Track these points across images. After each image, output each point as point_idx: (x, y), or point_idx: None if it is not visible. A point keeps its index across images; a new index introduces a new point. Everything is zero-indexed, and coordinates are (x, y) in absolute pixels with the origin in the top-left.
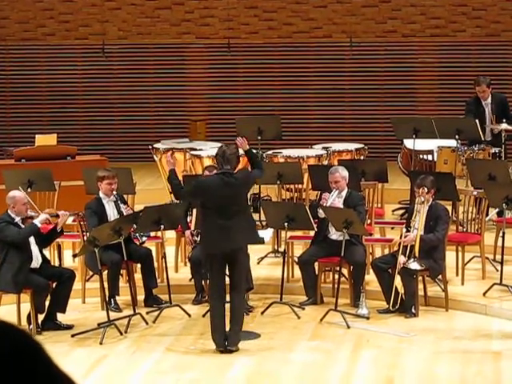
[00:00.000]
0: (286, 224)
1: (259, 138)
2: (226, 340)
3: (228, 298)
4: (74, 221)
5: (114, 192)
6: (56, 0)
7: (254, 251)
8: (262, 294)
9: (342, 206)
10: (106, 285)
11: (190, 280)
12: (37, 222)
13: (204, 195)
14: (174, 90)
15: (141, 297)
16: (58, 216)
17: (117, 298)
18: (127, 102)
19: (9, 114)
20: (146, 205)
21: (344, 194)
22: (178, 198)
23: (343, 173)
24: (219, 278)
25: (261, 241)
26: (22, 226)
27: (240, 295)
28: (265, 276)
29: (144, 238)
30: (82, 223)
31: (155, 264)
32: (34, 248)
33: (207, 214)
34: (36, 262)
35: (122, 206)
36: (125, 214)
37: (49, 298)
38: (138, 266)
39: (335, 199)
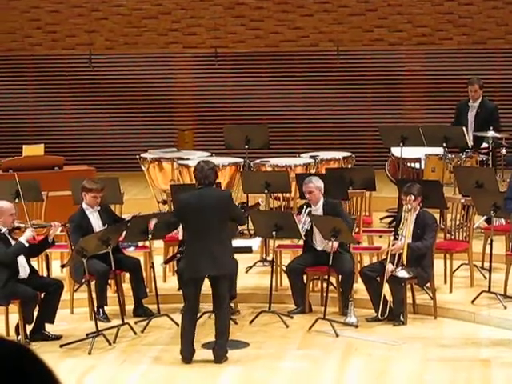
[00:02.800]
0: (274, 233)
1: (247, 146)
2: (194, 352)
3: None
4: (61, 231)
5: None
6: (43, 10)
7: (242, 260)
8: (250, 303)
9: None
10: (94, 295)
11: (178, 290)
12: (23, 240)
13: (186, 211)
14: (162, 100)
15: (129, 307)
16: (45, 227)
17: (105, 308)
18: (114, 111)
19: None
20: (134, 214)
21: (320, 205)
22: (174, 228)
23: (317, 183)
24: (194, 300)
25: (248, 250)
26: (9, 237)
27: (224, 310)
28: (253, 285)
29: (132, 248)
30: (69, 231)
31: (143, 274)
32: (22, 259)
33: (189, 233)
34: (24, 273)
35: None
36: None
37: (37, 308)
38: (127, 275)
39: (305, 220)
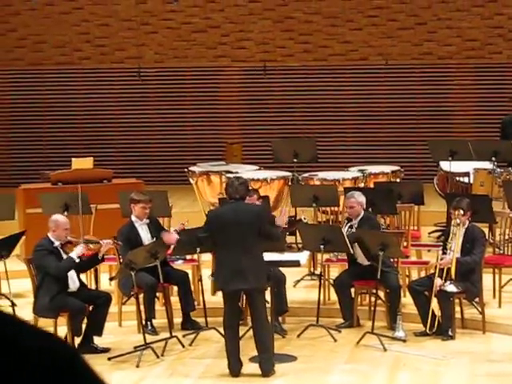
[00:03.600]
0: (321, 246)
1: (295, 160)
2: (241, 366)
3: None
4: (112, 247)
5: (147, 220)
6: (92, 24)
7: (290, 274)
8: (298, 317)
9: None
10: (142, 308)
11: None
12: (74, 255)
13: (217, 225)
14: (210, 113)
15: (178, 320)
16: (97, 243)
17: (153, 320)
18: (163, 125)
19: (45, 137)
20: (180, 224)
21: (357, 220)
22: (203, 243)
23: (359, 198)
24: (232, 314)
25: (296, 264)
26: (61, 250)
27: (263, 324)
28: (301, 299)
29: (180, 261)
30: (118, 247)
31: (191, 287)
32: (71, 273)
33: (220, 248)
34: (73, 286)
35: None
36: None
37: (85, 321)
38: (175, 288)
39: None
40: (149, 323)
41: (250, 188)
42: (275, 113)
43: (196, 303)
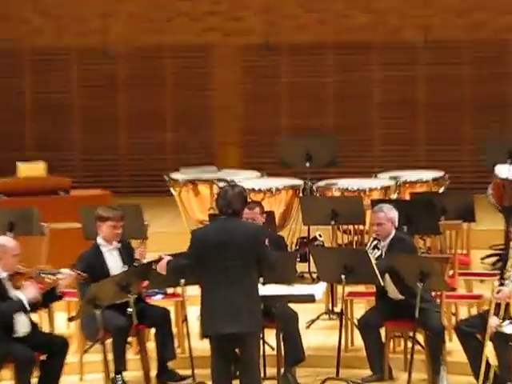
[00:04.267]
0: (343, 276)
1: (308, 164)
2: None
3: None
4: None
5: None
6: None
7: (303, 312)
8: (312, 368)
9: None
10: (110, 357)
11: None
12: (25, 300)
13: (202, 249)
14: (198, 104)
15: (155, 371)
16: (53, 274)
17: (124, 373)
18: (136, 118)
19: None
20: (162, 253)
21: (387, 242)
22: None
23: (389, 213)
24: (219, 362)
25: (310, 299)
26: (6, 284)
27: (253, 377)
28: (317, 344)
29: (159, 296)
30: (81, 278)
31: (174, 329)
32: (20, 317)
33: (206, 278)
34: (22, 331)
35: (136, 250)
36: (138, 259)
37: (36, 373)
38: (153, 331)
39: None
40: (118, 377)
41: (250, 200)
42: (282, 103)
43: (179, 350)
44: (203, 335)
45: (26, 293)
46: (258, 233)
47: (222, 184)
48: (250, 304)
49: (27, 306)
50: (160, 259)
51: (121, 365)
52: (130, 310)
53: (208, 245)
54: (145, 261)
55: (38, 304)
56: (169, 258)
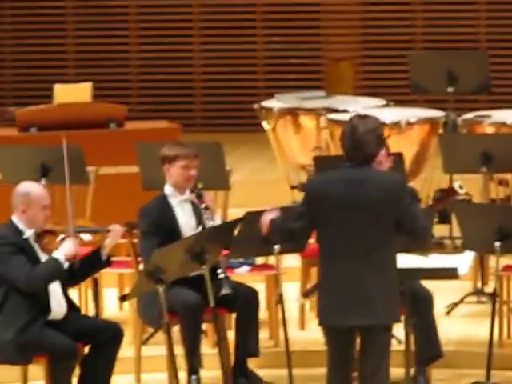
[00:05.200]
0: (497, 244)
1: (450, 89)
2: None
3: None
4: (122, 237)
5: (200, 186)
6: None
7: (442, 292)
8: (452, 368)
9: None
10: (177, 350)
11: None
12: (60, 256)
13: (320, 206)
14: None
15: None
16: (96, 233)
17: (201, 372)
18: (212, 30)
19: (9, 46)
20: (248, 209)
21: None
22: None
23: None
24: (341, 360)
25: (452, 274)
26: (36, 245)
27: (377, 380)
28: (461, 336)
29: (244, 268)
30: (135, 240)
31: (264, 313)
32: (55, 289)
33: (325, 248)
34: (58, 312)
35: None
36: (208, 207)
37: (78, 370)
38: (234, 316)
39: None
40: (194, 378)
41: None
42: (416, 5)
43: (272, 342)
44: (319, 324)
45: (61, 248)
46: (399, 186)
47: (334, 116)
48: (384, 286)
49: (64, 262)
50: (259, 212)
51: (194, 360)
52: (221, 272)
53: (330, 201)
54: (217, 217)
55: (79, 273)
56: (275, 213)
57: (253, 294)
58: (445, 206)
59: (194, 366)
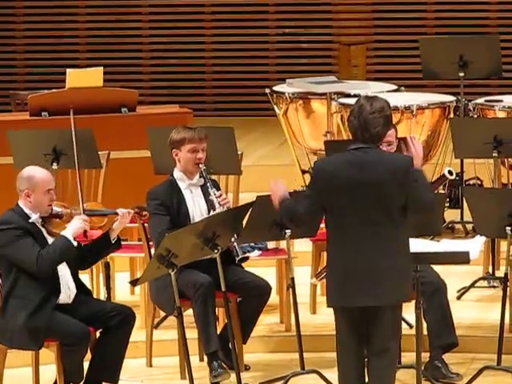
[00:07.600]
0: (508, 229)
1: (461, 74)
2: None
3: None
4: (132, 221)
5: (202, 167)
6: None
7: (453, 277)
8: (464, 353)
9: None
10: (190, 334)
11: None
12: (68, 234)
13: (329, 188)
14: None
15: (253, 357)
16: (105, 216)
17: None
18: (223, 14)
19: (20, 30)
20: (259, 194)
21: None
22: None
23: None
24: (349, 341)
25: (463, 258)
26: (42, 229)
27: (386, 361)
28: (472, 321)
29: (255, 252)
30: (146, 225)
31: (275, 298)
32: (64, 270)
33: (332, 229)
34: (66, 295)
35: (213, 192)
36: (218, 207)
37: (89, 355)
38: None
39: None
40: (215, 364)
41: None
42: None
43: (283, 328)
44: (328, 305)
45: (70, 226)
46: (405, 166)
47: (344, 100)
48: (393, 266)
49: (73, 241)
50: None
51: (210, 341)
52: (241, 251)
53: (337, 184)
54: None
55: (89, 254)
56: (285, 191)
57: (266, 288)
58: (436, 189)
59: (209, 348)
